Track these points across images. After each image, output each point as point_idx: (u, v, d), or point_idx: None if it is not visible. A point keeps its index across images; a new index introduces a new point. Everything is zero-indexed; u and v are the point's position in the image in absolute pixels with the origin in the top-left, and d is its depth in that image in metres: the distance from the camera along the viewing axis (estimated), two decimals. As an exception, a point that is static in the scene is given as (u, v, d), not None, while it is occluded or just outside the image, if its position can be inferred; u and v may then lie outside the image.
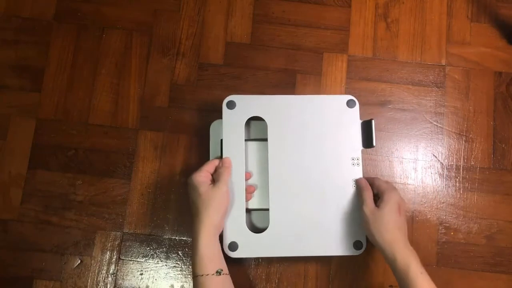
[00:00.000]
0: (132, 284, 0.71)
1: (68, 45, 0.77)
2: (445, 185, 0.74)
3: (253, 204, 0.69)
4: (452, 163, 0.75)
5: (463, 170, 0.75)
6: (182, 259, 0.72)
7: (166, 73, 0.77)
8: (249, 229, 0.65)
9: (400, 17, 0.79)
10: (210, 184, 0.62)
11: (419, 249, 0.71)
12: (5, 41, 0.77)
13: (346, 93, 0.76)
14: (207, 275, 0.57)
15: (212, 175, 0.65)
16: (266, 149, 0.67)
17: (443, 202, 0.74)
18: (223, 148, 0.66)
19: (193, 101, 0.76)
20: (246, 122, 0.67)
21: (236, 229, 0.65)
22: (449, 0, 0.80)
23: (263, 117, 0.67)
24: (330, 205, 0.66)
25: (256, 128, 0.70)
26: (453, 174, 0.75)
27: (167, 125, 0.75)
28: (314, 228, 0.66)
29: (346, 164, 0.67)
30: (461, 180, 0.75)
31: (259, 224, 0.69)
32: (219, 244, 0.61)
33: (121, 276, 0.71)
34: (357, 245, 0.66)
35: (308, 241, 0.66)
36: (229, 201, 0.63)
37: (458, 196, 0.74)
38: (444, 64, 0.78)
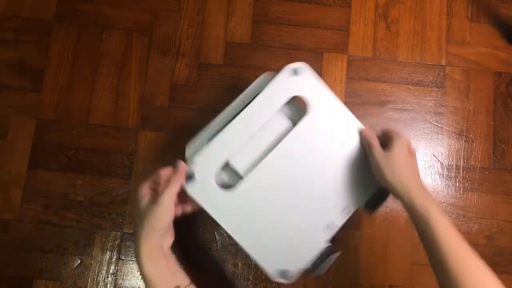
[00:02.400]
0: (132, 284, 0.71)
1: (68, 45, 0.77)
2: (445, 185, 0.74)
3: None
4: (452, 163, 0.75)
5: (463, 170, 0.75)
6: (182, 259, 0.72)
7: (166, 73, 0.77)
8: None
9: (400, 17, 0.79)
10: (150, 198, 0.55)
11: (419, 250, 0.72)
12: (5, 41, 0.77)
13: (346, 92, 0.76)
14: None
15: (159, 185, 0.57)
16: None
17: (443, 202, 0.74)
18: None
19: (193, 101, 0.76)
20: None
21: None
22: (449, 0, 0.80)
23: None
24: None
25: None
26: (453, 174, 0.75)
27: (167, 125, 0.75)
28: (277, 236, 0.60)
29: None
30: (461, 180, 0.75)
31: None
32: (169, 259, 0.55)
33: (121, 276, 0.71)
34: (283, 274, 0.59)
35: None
36: (171, 216, 0.54)
37: (458, 196, 0.74)
38: (444, 64, 0.78)
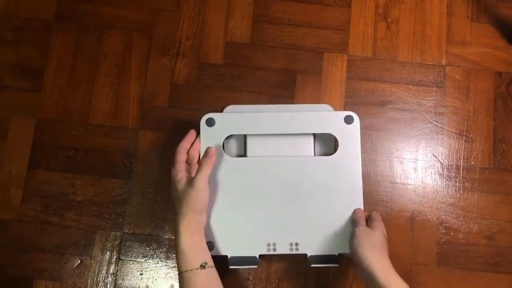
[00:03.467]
0: (132, 284, 0.71)
1: (68, 45, 0.77)
2: (445, 185, 0.74)
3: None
4: (452, 163, 0.75)
5: (463, 170, 0.75)
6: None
7: (166, 73, 0.77)
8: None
9: (400, 17, 0.79)
10: (186, 181, 0.62)
11: (419, 249, 0.72)
12: (5, 41, 0.77)
13: (346, 92, 0.76)
14: (191, 270, 0.57)
15: (187, 163, 0.66)
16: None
17: (443, 202, 0.74)
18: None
19: (193, 101, 0.76)
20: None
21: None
22: (449, 0, 0.80)
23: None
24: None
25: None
26: (453, 174, 0.75)
27: (167, 125, 0.75)
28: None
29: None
30: (461, 180, 0.75)
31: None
32: (203, 238, 0.61)
33: (121, 276, 0.71)
34: None
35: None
36: (207, 196, 0.62)
37: (458, 196, 0.74)
38: (444, 64, 0.78)
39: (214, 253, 0.64)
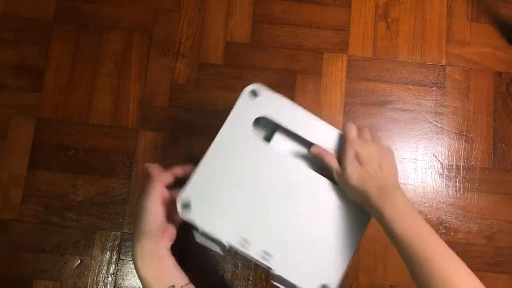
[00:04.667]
0: (132, 284, 0.71)
1: (68, 45, 0.77)
2: (445, 185, 0.74)
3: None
4: (452, 163, 0.75)
5: (463, 170, 0.75)
6: (182, 259, 0.71)
7: (166, 73, 0.77)
8: None
9: (400, 17, 0.79)
10: (138, 202, 0.57)
11: (419, 249, 0.72)
12: (5, 41, 0.77)
13: (346, 92, 0.76)
14: None
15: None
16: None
17: (443, 202, 0.74)
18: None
19: (193, 101, 0.76)
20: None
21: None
22: (449, 0, 0.80)
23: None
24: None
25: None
26: (453, 174, 0.75)
27: (167, 125, 0.75)
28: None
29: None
30: (461, 180, 0.75)
31: None
32: (165, 260, 0.55)
33: (121, 276, 0.71)
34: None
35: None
36: (158, 220, 0.55)
37: (458, 196, 0.74)
38: (444, 64, 0.78)
39: (186, 216, 0.57)
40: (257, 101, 0.61)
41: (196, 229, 0.57)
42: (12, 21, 0.77)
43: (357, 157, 0.56)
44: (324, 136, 0.61)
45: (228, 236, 0.57)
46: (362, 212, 0.58)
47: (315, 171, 0.61)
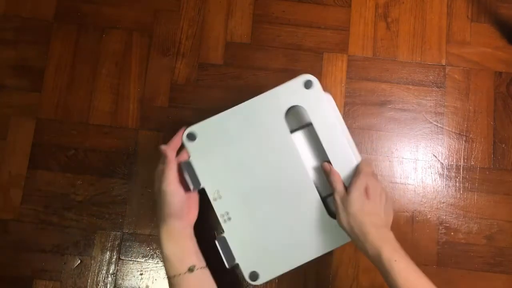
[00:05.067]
0: (132, 284, 0.71)
1: (68, 45, 0.77)
2: (445, 185, 0.74)
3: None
4: (452, 163, 0.75)
5: (463, 170, 0.75)
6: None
7: (166, 73, 0.77)
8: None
9: (400, 17, 0.79)
10: (158, 185, 0.58)
11: (419, 249, 0.72)
12: (5, 41, 0.77)
13: (346, 92, 0.76)
14: (179, 275, 0.55)
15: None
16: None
17: (443, 202, 0.74)
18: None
19: (193, 101, 0.76)
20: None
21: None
22: (449, 0, 0.80)
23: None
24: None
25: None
26: (453, 174, 0.75)
27: (167, 125, 0.75)
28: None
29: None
30: (461, 180, 0.75)
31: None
32: (190, 241, 0.58)
33: (121, 276, 0.71)
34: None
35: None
36: (181, 200, 0.57)
37: (458, 196, 0.74)
38: (444, 64, 0.78)
39: (186, 144, 0.60)
40: (306, 93, 0.61)
41: (186, 165, 0.60)
42: (12, 21, 0.77)
43: (366, 189, 0.57)
44: (343, 159, 0.61)
45: (207, 183, 0.61)
46: (336, 236, 0.61)
47: (313, 182, 0.62)
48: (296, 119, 0.65)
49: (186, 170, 0.60)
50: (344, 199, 0.58)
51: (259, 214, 0.61)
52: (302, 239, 0.61)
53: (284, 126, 0.62)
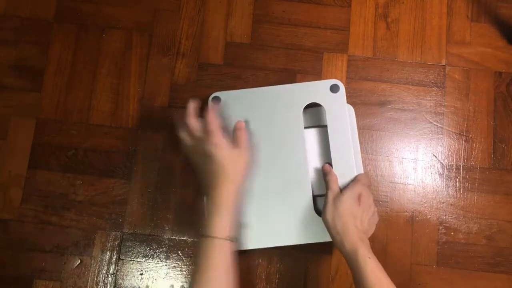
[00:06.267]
0: (132, 284, 0.71)
1: (68, 45, 0.77)
2: (445, 185, 0.74)
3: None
4: (452, 163, 0.75)
5: (463, 170, 0.75)
6: (182, 259, 0.72)
7: (166, 73, 0.77)
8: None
9: (400, 17, 0.79)
10: (225, 146, 0.60)
11: (419, 249, 0.72)
12: (5, 41, 0.77)
13: (347, 92, 0.76)
14: (222, 239, 0.55)
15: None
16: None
17: (443, 202, 0.74)
18: None
19: (193, 101, 0.76)
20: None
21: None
22: (449, 0, 0.80)
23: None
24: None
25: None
26: (453, 174, 0.75)
27: (167, 125, 0.75)
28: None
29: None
30: (461, 180, 0.75)
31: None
32: (236, 212, 0.60)
33: (121, 276, 0.71)
34: None
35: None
36: (249, 161, 0.62)
37: (458, 196, 0.74)
38: (444, 64, 0.78)
39: (211, 103, 0.68)
40: (330, 95, 0.68)
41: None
42: (12, 21, 0.77)
43: (360, 196, 0.61)
44: (344, 166, 0.66)
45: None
46: (316, 232, 0.65)
47: (311, 178, 0.67)
48: (314, 118, 0.70)
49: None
50: (336, 197, 0.62)
51: (253, 189, 0.66)
52: (284, 225, 0.65)
53: (300, 119, 0.67)
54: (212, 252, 0.54)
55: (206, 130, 0.60)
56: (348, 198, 0.61)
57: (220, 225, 0.56)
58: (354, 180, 0.64)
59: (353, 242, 0.57)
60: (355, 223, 0.59)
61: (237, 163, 0.60)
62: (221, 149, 0.59)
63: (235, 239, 0.57)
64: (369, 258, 0.56)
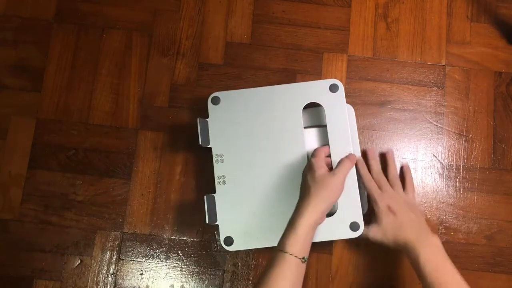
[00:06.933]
0: (132, 284, 0.71)
1: (68, 45, 0.77)
2: (445, 185, 0.74)
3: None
4: (452, 163, 0.75)
5: (463, 170, 0.75)
6: (182, 259, 0.72)
7: (166, 73, 0.77)
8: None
9: (400, 17, 0.79)
10: (325, 171, 0.62)
11: (419, 249, 0.72)
12: (5, 41, 0.77)
13: (347, 92, 0.76)
14: (296, 257, 0.57)
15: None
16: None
17: (443, 202, 0.74)
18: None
19: (193, 101, 0.76)
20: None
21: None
22: (449, 0, 0.80)
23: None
24: None
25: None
26: (453, 174, 0.75)
27: (167, 125, 0.75)
28: None
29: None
30: (461, 180, 0.75)
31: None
32: (314, 232, 0.61)
33: (121, 276, 0.71)
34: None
35: None
36: (341, 191, 0.62)
37: (458, 196, 0.74)
38: (444, 64, 0.78)
39: (210, 105, 0.68)
40: (329, 95, 0.68)
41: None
42: (12, 21, 0.77)
43: (390, 208, 0.64)
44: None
45: (215, 144, 0.67)
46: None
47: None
48: (313, 118, 0.71)
49: (200, 127, 0.66)
50: (379, 229, 0.65)
51: (252, 188, 0.66)
52: (283, 225, 0.64)
53: (299, 118, 0.68)
54: (283, 264, 0.56)
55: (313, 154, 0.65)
56: (385, 222, 0.64)
57: (296, 243, 0.57)
58: (373, 200, 0.66)
59: (413, 250, 0.60)
60: (411, 231, 0.62)
61: (328, 187, 0.61)
62: (319, 170, 0.62)
63: (306, 260, 0.58)
64: (428, 261, 0.59)
